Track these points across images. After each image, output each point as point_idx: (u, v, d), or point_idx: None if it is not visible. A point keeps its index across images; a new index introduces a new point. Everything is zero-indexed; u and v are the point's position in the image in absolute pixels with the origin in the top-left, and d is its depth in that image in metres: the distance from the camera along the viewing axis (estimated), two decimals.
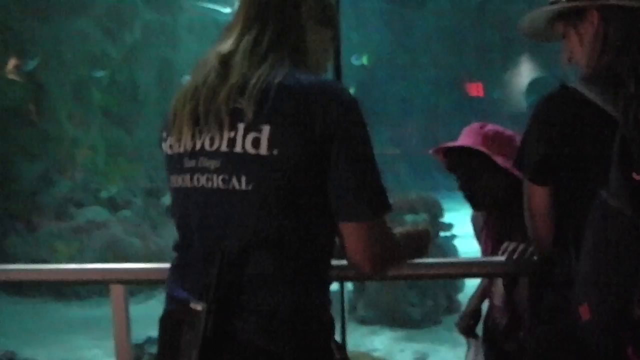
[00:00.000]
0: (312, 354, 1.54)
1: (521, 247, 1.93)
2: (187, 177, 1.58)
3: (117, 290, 2.02)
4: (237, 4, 1.68)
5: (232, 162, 1.52)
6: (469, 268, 2.05)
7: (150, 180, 11.03)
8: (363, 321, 7.34)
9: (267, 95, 1.49)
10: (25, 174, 10.30)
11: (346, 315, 3.14)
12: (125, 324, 2.04)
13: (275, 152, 1.48)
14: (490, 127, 2.38)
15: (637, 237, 1.47)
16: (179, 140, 1.58)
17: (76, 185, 10.37)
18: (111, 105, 12.05)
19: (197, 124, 1.56)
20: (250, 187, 1.51)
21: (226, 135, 1.52)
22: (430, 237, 1.88)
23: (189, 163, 1.57)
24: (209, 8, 13.00)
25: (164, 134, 1.65)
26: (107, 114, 12.02)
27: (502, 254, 1.94)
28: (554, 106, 1.66)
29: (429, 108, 20.73)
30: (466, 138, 2.37)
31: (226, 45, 1.59)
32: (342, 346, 1.69)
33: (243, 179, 1.51)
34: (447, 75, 20.69)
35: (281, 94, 1.49)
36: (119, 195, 10.34)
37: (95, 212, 9.59)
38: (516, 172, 1.85)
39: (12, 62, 10.65)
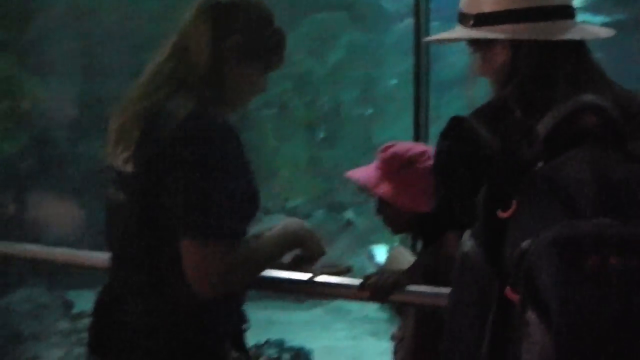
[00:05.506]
0: (188, 354, 1.74)
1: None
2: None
3: None
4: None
5: (117, 176, 1.78)
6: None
7: (336, 195, 11.21)
8: None
9: (140, 119, 1.74)
10: None
11: None
12: None
13: (131, 169, 1.73)
14: (398, 147, 2.08)
15: (486, 295, 1.30)
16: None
17: (270, 193, 10.77)
18: (314, 122, 12.33)
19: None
20: (124, 201, 1.76)
21: (117, 151, 1.79)
22: (309, 235, 1.96)
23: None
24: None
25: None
26: (310, 130, 12.37)
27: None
28: (443, 148, 1.44)
29: None
30: (372, 163, 2.16)
31: (145, 71, 1.83)
32: (243, 349, 1.91)
33: (121, 193, 1.77)
34: None
35: (148, 120, 1.72)
36: (303, 206, 10.61)
37: (277, 220, 9.77)
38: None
39: None
